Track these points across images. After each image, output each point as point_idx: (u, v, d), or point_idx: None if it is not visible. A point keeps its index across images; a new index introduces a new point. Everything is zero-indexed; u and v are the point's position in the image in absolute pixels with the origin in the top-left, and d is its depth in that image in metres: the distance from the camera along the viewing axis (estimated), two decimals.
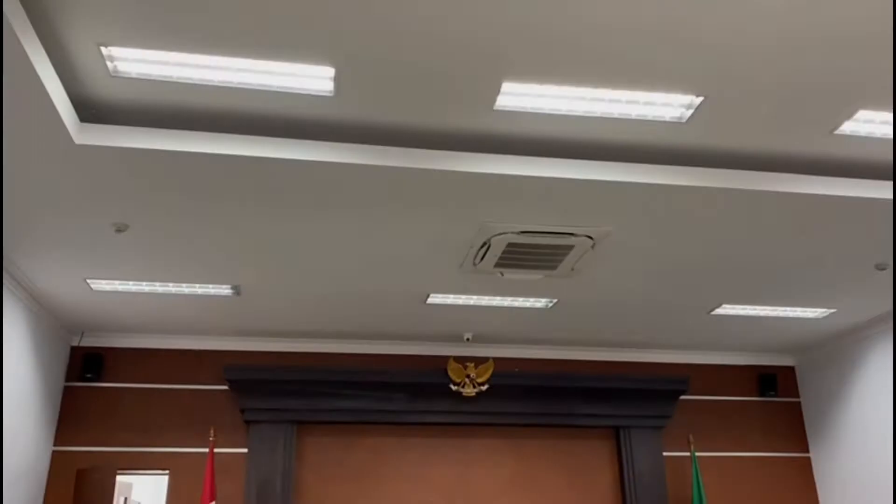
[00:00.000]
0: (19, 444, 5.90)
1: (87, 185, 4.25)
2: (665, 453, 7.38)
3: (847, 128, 4.03)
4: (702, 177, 4.38)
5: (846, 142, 4.18)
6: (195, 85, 3.61)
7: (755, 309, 6.56)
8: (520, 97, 3.74)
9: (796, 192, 4.45)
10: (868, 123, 4.00)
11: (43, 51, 3.30)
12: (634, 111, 3.87)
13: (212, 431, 6.60)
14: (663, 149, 4.24)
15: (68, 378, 6.82)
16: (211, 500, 6.27)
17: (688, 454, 7.27)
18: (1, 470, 5.24)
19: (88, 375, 6.78)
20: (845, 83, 3.66)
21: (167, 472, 6.75)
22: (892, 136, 4.09)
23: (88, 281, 5.68)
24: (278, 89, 3.65)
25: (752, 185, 4.41)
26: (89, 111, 3.80)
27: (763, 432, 7.76)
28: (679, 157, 4.31)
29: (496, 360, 7.23)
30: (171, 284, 5.78)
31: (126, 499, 7.20)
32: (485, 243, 5.08)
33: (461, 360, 7.17)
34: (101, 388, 6.84)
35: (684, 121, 3.94)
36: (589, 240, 5.01)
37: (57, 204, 4.49)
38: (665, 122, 3.96)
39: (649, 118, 3.92)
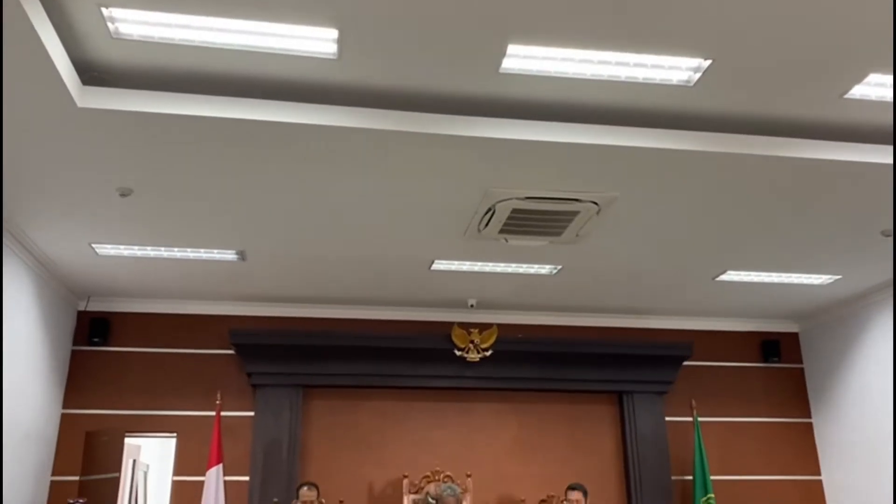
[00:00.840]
0: (29, 406, 5.98)
1: (90, 149, 4.24)
2: (668, 418, 7.44)
3: (857, 91, 3.97)
4: (709, 142, 4.34)
5: (856, 106, 4.13)
6: (197, 47, 3.57)
7: (760, 275, 6.55)
8: (525, 60, 3.69)
9: (805, 157, 4.41)
10: (878, 87, 3.94)
11: (43, 12, 3.26)
12: (641, 74, 3.82)
13: (218, 395, 6.67)
14: (670, 113, 4.19)
15: (75, 342, 6.89)
16: (218, 463, 6.36)
17: (690, 419, 7.33)
18: (1, 429, 5.29)
19: (95, 340, 6.84)
20: (855, 46, 3.60)
21: (175, 434, 6.85)
22: None
23: (94, 246, 5.70)
24: (281, 52, 3.61)
25: (760, 150, 4.37)
26: (91, 74, 3.77)
27: (765, 398, 7.81)
28: (686, 122, 4.27)
29: (500, 326, 7.26)
30: (175, 249, 5.79)
31: (135, 461, 7.29)
32: (489, 209, 5.06)
33: (465, 326, 7.20)
34: (107, 352, 6.91)
35: (692, 84, 3.89)
36: (594, 206, 4.98)
37: (61, 168, 4.48)
38: (672, 85, 3.91)
39: (656, 81, 3.87)
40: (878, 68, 3.79)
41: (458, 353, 7.10)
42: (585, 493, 5.60)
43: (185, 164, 4.44)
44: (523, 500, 6.48)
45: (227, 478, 6.43)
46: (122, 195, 4.78)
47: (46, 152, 4.28)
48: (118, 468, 6.38)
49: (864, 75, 3.84)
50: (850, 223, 5.41)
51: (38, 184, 4.69)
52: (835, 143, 4.43)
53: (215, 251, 5.87)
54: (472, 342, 7.13)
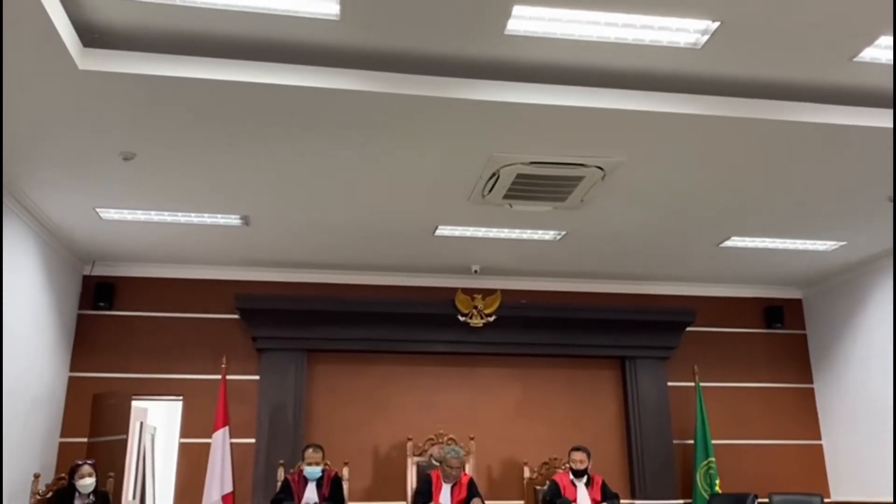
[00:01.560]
0: (36, 370, 6.04)
1: (91, 112, 4.21)
2: (670, 383, 7.49)
3: (867, 54, 3.92)
4: (716, 105, 4.29)
5: (866, 69, 4.07)
6: (199, 9, 3.53)
7: (764, 241, 6.54)
8: (531, 21, 3.64)
9: (813, 121, 4.37)
10: (889, 50, 3.88)
11: None
12: (648, 37, 3.77)
13: (224, 359, 6.72)
14: (677, 76, 4.14)
15: (81, 306, 6.93)
16: (224, 425, 6.44)
17: (692, 384, 7.37)
18: (1, 392, 5.35)
19: (101, 304, 6.88)
20: (866, 7, 3.54)
21: (181, 397, 6.92)
22: None
23: (98, 210, 5.70)
24: (283, 13, 3.56)
25: (767, 114, 4.33)
26: (92, 36, 3.73)
27: (768, 364, 7.85)
28: (694, 85, 4.22)
29: (504, 291, 7.28)
30: (179, 214, 5.79)
31: (142, 423, 7.39)
32: (494, 174, 5.04)
33: (469, 291, 7.22)
34: (113, 316, 6.95)
35: (699, 47, 3.84)
36: (599, 171, 4.95)
37: (63, 132, 4.46)
38: (680, 48, 3.86)
39: (664, 44, 3.82)
40: (889, 30, 3.73)
41: (461, 318, 7.13)
42: (588, 455, 5.65)
43: (188, 129, 4.42)
44: (526, 463, 6.55)
45: (234, 440, 6.51)
46: (126, 159, 4.77)
47: (48, 116, 4.26)
48: (126, 430, 6.47)
49: (875, 38, 3.78)
50: (856, 189, 5.38)
51: (41, 148, 4.67)
52: (843, 108, 4.39)
53: (219, 216, 5.87)
54: (475, 307, 7.16)
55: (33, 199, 5.49)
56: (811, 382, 7.87)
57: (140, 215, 5.82)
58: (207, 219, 5.90)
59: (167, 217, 5.84)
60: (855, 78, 4.16)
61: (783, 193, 5.47)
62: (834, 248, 6.69)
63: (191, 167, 4.96)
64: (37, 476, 5.61)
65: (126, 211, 5.75)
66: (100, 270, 7.01)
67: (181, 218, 5.86)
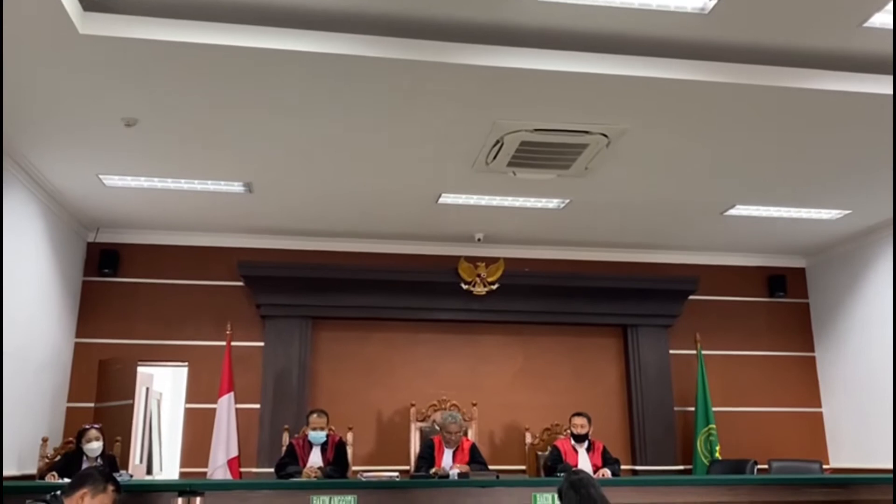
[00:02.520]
0: (42, 335, 6.09)
1: (93, 77, 4.18)
2: (672, 351, 7.53)
3: (877, 20, 3.86)
4: (723, 72, 4.25)
5: (875, 35, 4.02)
6: None
7: (769, 210, 6.52)
8: None
9: (821, 88, 4.32)
10: None
11: None
12: (655, 1, 3.72)
13: (228, 325, 6.76)
14: (684, 42, 4.09)
15: (86, 273, 6.96)
16: (229, 391, 6.51)
17: (694, 352, 7.41)
18: (1, 356, 5.40)
19: (106, 270, 6.91)
20: None
21: (186, 363, 6.98)
22: None
23: (101, 177, 5.69)
24: None
25: (774, 81, 4.28)
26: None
27: (770, 332, 7.87)
28: (700, 51, 4.17)
29: (507, 260, 7.29)
30: (182, 181, 5.78)
31: (147, 389, 7.47)
32: (498, 141, 5.01)
33: (472, 259, 7.23)
34: (118, 282, 6.99)
35: (707, 11, 3.79)
36: (604, 138, 4.92)
37: (64, 98, 4.43)
38: (687, 13, 3.81)
39: (671, 8, 3.77)
40: None
41: (464, 286, 7.15)
42: (589, 421, 5.70)
43: (190, 95, 4.39)
44: (528, 429, 6.61)
45: (239, 405, 6.59)
46: (128, 125, 4.75)
47: (49, 81, 4.23)
48: (132, 396, 6.54)
49: (885, 2, 3.72)
50: (863, 157, 5.34)
51: (43, 113, 4.65)
52: (852, 74, 4.34)
53: (222, 183, 5.86)
54: (478, 276, 7.18)
55: (35, 165, 5.48)
56: (812, 351, 7.90)
57: (143, 182, 5.81)
58: (210, 186, 5.89)
59: (170, 184, 5.84)
60: (864, 44, 4.11)
61: (789, 161, 5.43)
62: (839, 216, 6.66)
63: (193, 134, 4.94)
64: (45, 440, 5.69)
65: (129, 178, 5.75)
66: (104, 237, 7.03)
67: (184, 185, 5.85)
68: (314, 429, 5.50)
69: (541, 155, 5.15)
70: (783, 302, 7.97)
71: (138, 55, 3.94)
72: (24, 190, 5.59)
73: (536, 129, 4.81)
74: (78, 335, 6.81)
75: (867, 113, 4.62)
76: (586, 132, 4.85)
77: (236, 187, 5.93)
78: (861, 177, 5.72)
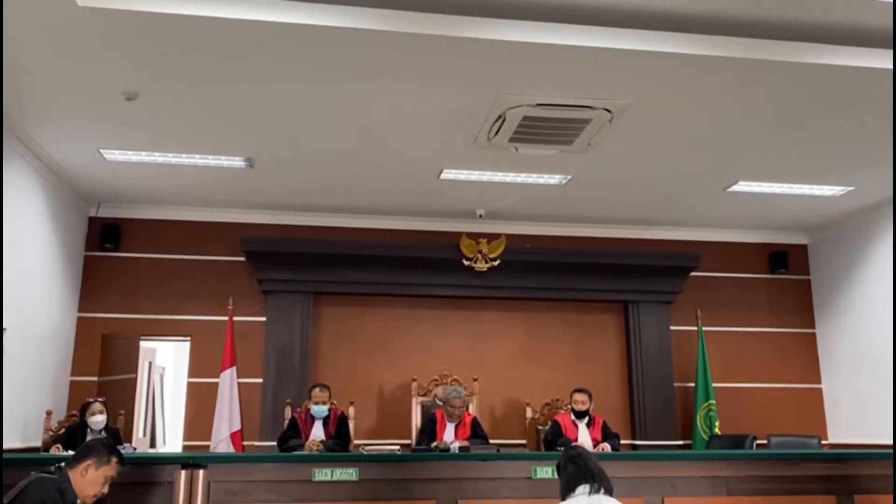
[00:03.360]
0: (45, 309, 6.11)
1: (92, 51, 4.15)
2: (672, 327, 7.56)
3: None
4: (727, 46, 4.20)
5: (881, 9, 3.96)
6: None
7: (772, 186, 6.49)
8: None
9: (825, 63, 4.27)
10: None
11: None
12: None
13: (230, 300, 6.78)
14: (689, 16, 4.04)
15: (88, 248, 6.97)
16: (231, 365, 6.54)
17: (695, 328, 7.43)
18: (1, 328, 5.42)
19: (107, 245, 6.92)
20: None
21: (188, 338, 7.01)
22: None
23: (101, 151, 5.67)
24: None
25: (780, 55, 4.23)
26: None
27: (771, 308, 7.89)
28: (705, 26, 4.12)
29: (508, 236, 7.28)
30: (183, 155, 5.77)
31: (150, 363, 7.51)
32: (500, 116, 4.98)
33: (474, 236, 7.23)
34: (120, 257, 7.00)
35: None
36: (607, 113, 4.89)
37: (64, 71, 4.41)
38: None
39: None
40: None
41: (466, 262, 7.15)
42: (590, 396, 5.73)
43: (190, 68, 4.36)
44: (528, 403, 6.66)
45: (241, 380, 6.62)
46: (128, 99, 4.72)
47: (48, 54, 4.20)
48: (135, 370, 6.58)
49: None
50: (868, 133, 5.30)
51: (43, 87, 4.63)
52: (858, 49, 4.28)
53: (223, 158, 5.84)
54: (480, 252, 7.18)
55: (36, 139, 5.46)
56: (813, 327, 7.92)
57: (144, 156, 5.80)
58: (212, 161, 5.88)
59: (171, 159, 5.82)
60: (870, 18, 4.06)
61: (793, 137, 5.40)
62: (842, 193, 6.64)
63: (194, 107, 4.92)
64: (49, 413, 5.74)
65: (130, 152, 5.73)
66: (105, 212, 7.03)
67: (185, 160, 5.84)
68: (317, 403, 5.53)
69: (543, 130, 5.13)
70: (785, 278, 7.98)
71: (138, 28, 3.90)
72: (25, 164, 5.58)
73: (539, 104, 4.78)
74: (80, 310, 6.84)
75: (872, 88, 4.58)
76: (589, 107, 4.82)
77: (237, 162, 5.92)
78: (865, 153, 5.69)
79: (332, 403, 5.69)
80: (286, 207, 7.13)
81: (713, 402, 7.13)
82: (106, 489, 3.03)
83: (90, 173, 6.16)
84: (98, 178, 6.29)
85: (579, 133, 5.19)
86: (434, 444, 5.36)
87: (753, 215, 7.39)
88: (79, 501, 2.92)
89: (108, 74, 4.43)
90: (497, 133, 5.20)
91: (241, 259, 7.07)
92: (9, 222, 5.25)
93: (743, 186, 6.47)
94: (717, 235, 7.90)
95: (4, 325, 5.20)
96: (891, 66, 4.31)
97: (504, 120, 4.99)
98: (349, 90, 4.64)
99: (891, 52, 4.28)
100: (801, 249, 8.09)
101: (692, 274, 7.62)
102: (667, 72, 4.39)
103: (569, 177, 6.24)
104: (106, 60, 4.26)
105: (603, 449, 5.33)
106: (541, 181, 6.34)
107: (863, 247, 7.29)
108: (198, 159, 5.84)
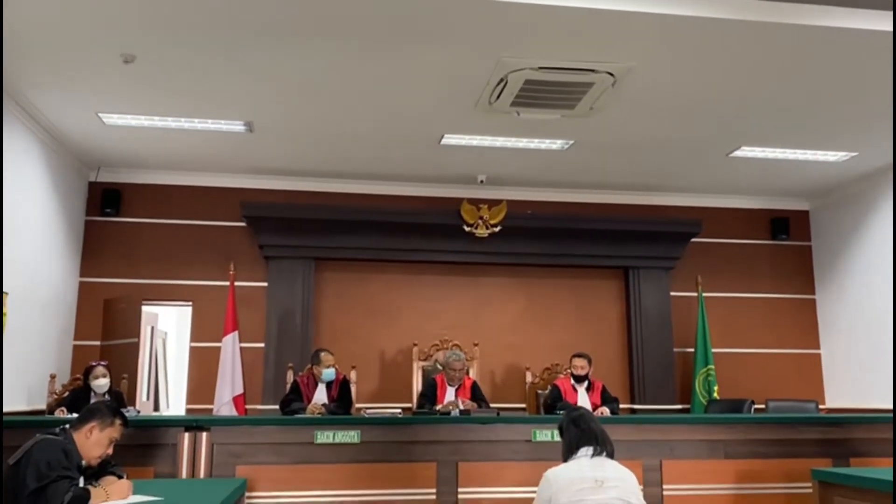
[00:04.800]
0: (47, 274, 6.13)
1: (89, 12, 4.10)
2: (673, 293, 7.58)
3: None
4: (732, 9, 4.15)
5: None
6: None
7: (775, 152, 6.46)
8: None
9: (831, 25, 4.22)
10: None
11: None
12: None
13: (231, 265, 6.79)
14: None
15: (89, 213, 6.96)
16: (234, 330, 6.57)
17: (695, 294, 7.45)
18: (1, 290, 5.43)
19: (108, 210, 6.91)
20: None
21: (190, 303, 7.04)
22: None
23: (100, 115, 5.63)
24: None
25: (784, 17, 4.18)
26: None
27: (771, 274, 7.90)
28: None
29: (509, 202, 7.26)
30: (183, 119, 5.73)
31: (153, 328, 7.55)
32: (502, 80, 4.93)
33: (475, 201, 7.21)
34: (120, 222, 6.99)
35: None
36: (610, 77, 4.84)
37: (62, 34, 4.36)
38: None
39: None
40: None
41: (467, 228, 7.14)
42: (589, 361, 5.76)
43: (188, 32, 4.30)
44: (528, 368, 6.70)
45: (243, 344, 6.66)
46: (126, 62, 4.68)
47: (46, 16, 4.15)
48: (137, 334, 6.62)
49: None
50: (871, 97, 5.26)
51: (41, 51, 4.58)
52: (863, 11, 4.23)
53: (223, 122, 5.80)
54: (481, 218, 7.16)
55: (34, 103, 5.42)
56: (813, 293, 7.94)
57: (143, 120, 5.76)
58: (211, 125, 5.84)
59: (170, 122, 5.78)
60: None
61: (797, 102, 5.36)
62: (845, 158, 6.61)
63: (192, 71, 4.87)
64: (53, 376, 5.79)
65: (129, 116, 5.69)
66: (105, 177, 7.00)
67: (184, 124, 5.80)
68: (327, 366, 5.51)
69: (545, 94, 5.08)
70: (786, 244, 7.98)
71: None
72: (24, 129, 5.54)
73: (541, 68, 4.73)
74: (82, 274, 6.85)
75: (877, 51, 4.53)
76: (592, 70, 4.77)
77: (237, 126, 5.88)
78: (869, 118, 5.65)
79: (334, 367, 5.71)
80: (286, 172, 7.10)
81: (712, 367, 7.18)
82: (110, 450, 3.05)
83: (89, 138, 6.12)
84: (97, 143, 6.25)
85: (582, 97, 5.14)
86: (436, 406, 5.40)
87: (756, 181, 7.36)
88: (84, 462, 2.95)
89: (106, 37, 4.38)
90: (499, 97, 5.15)
91: (243, 224, 7.07)
92: (9, 187, 5.23)
93: (746, 152, 6.43)
94: (718, 201, 7.88)
95: (8, 291, 5.22)
96: (891, 28, 4.26)
97: (506, 83, 4.94)
98: (348, 53, 4.59)
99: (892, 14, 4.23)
100: (803, 215, 8.08)
101: (693, 240, 7.62)
102: (670, 35, 4.34)
103: (571, 142, 6.21)
104: (102, 22, 4.21)
105: (602, 413, 5.38)
106: (542, 146, 6.31)
107: (865, 213, 7.27)
108: (197, 123, 5.80)
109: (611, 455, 2.90)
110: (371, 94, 5.21)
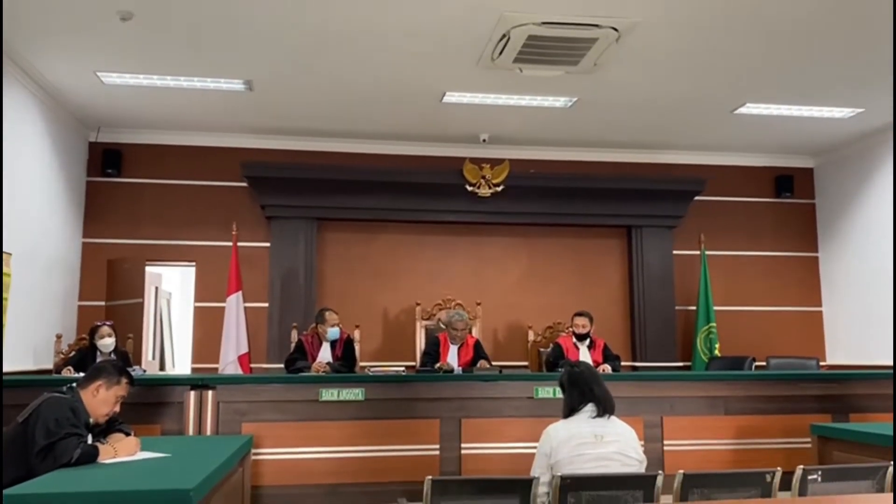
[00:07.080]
0: (49, 235, 6.14)
1: None
2: (675, 252, 7.57)
3: None
4: None
5: None
6: None
7: (780, 108, 6.39)
8: None
9: None
10: None
11: None
12: None
13: (234, 226, 6.79)
14: None
15: (90, 173, 6.94)
16: (237, 290, 6.60)
17: (698, 253, 7.44)
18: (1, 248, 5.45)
19: (109, 171, 6.88)
20: None
21: (193, 263, 7.06)
22: None
23: (99, 74, 5.57)
24: None
25: None
26: None
27: (774, 232, 7.89)
28: None
29: (512, 161, 7.22)
30: (181, 78, 5.67)
31: (157, 288, 7.59)
32: (504, 35, 4.86)
33: (477, 161, 7.17)
34: (122, 183, 6.97)
35: None
36: (614, 31, 4.77)
37: None
38: None
39: None
40: None
41: (469, 188, 7.12)
42: (591, 320, 5.79)
43: None
44: (530, 327, 6.74)
45: (247, 304, 6.69)
46: (123, 19, 4.61)
47: None
48: (141, 294, 6.66)
49: None
50: (878, 53, 5.17)
51: (37, 9, 4.51)
52: None
53: (222, 81, 5.74)
54: (483, 177, 7.13)
55: (32, 63, 5.36)
56: (816, 251, 7.93)
57: (142, 79, 5.70)
58: (210, 84, 5.78)
59: (169, 81, 5.72)
60: None
61: (802, 56, 5.28)
62: (850, 115, 6.53)
63: (190, 28, 4.80)
64: (59, 336, 5.83)
65: (128, 75, 5.63)
66: (106, 137, 6.97)
67: (183, 82, 5.74)
68: (332, 325, 5.54)
69: (548, 50, 5.01)
70: (790, 202, 7.94)
71: None
72: (23, 89, 5.50)
73: (544, 23, 4.65)
74: (85, 235, 6.86)
75: (885, 5, 4.44)
76: (596, 26, 4.69)
77: (237, 85, 5.82)
78: (874, 74, 5.57)
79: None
80: (287, 132, 7.05)
81: (713, 324, 7.22)
82: (118, 408, 3.09)
83: (88, 97, 6.07)
84: (96, 102, 6.20)
85: (585, 53, 5.07)
86: (437, 365, 5.44)
87: (760, 138, 7.30)
88: (91, 420, 2.99)
89: None
90: (501, 53, 5.08)
91: (245, 184, 7.04)
92: (9, 148, 5.20)
93: (751, 108, 6.36)
94: (722, 159, 7.82)
95: (11, 252, 5.23)
96: None
97: (508, 39, 4.87)
98: (348, 11, 4.52)
99: None
100: (808, 173, 8.03)
101: (696, 198, 7.58)
102: None
103: (574, 99, 6.14)
104: None
105: (604, 370, 5.41)
106: (545, 104, 6.24)
107: (870, 170, 7.22)
108: (196, 82, 5.74)
109: (611, 411, 2.94)
110: (371, 51, 5.14)
